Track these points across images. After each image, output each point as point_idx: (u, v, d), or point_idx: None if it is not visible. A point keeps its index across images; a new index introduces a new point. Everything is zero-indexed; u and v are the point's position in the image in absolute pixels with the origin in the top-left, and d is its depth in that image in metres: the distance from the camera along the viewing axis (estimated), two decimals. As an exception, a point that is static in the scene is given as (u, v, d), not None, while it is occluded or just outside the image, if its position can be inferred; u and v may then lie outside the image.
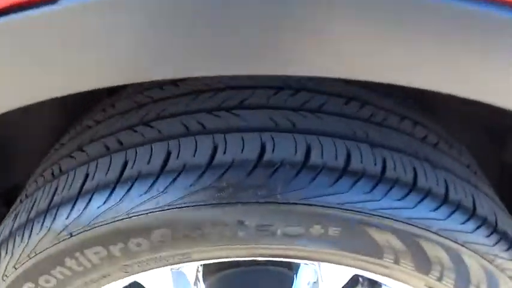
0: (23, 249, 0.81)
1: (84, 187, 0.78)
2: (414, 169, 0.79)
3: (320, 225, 0.75)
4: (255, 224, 0.74)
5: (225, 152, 0.75)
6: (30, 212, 0.82)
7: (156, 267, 0.83)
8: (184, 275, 1.01)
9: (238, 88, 0.90)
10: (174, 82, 0.97)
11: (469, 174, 0.88)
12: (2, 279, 0.86)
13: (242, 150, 0.75)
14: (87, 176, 0.80)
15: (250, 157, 0.74)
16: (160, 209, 0.74)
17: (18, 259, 0.83)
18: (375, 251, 0.79)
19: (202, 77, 0.97)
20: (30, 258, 0.82)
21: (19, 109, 1.24)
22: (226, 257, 0.81)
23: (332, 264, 0.81)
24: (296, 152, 0.75)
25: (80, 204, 0.77)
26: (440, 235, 0.77)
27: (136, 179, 0.75)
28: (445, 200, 0.77)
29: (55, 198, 0.80)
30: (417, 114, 1.00)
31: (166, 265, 0.82)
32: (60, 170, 0.87)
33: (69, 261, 0.80)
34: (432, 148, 0.89)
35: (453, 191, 0.79)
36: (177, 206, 0.73)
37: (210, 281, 0.98)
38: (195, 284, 1.02)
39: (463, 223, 0.78)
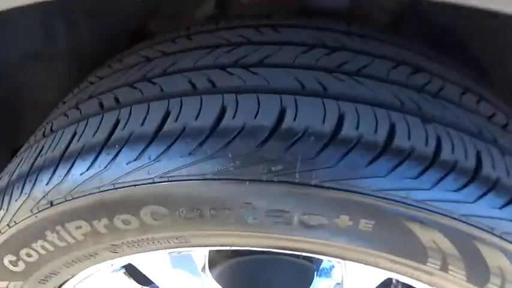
0: (3, 217, 0.70)
1: (69, 149, 0.66)
2: (478, 153, 0.61)
3: (348, 216, 0.59)
4: (266, 208, 0.59)
5: (234, 116, 0.60)
6: (11, 175, 0.71)
7: (150, 250, 0.70)
8: (192, 260, 0.88)
9: (261, 44, 0.75)
10: (188, 35, 0.83)
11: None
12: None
13: (256, 115, 0.59)
14: (73, 136, 0.67)
15: (266, 123, 0.58)
16: (151, 181, 0.60)
17: None
18: (417, 254, 0.62)
19: (221, 29, 0.82)
20: (10, 228, 0.71)
21: (30, 62, 1.16)
22: (231, 246, 0.67)
23: (360, 265, 0.65)
24: (324, 120, 0.59)
25: (62, 169, 0.65)
26: (505, 239, 0.59)
27: (125, 143, 0.61)
28: None
29: (37, 160, 0.69)
30: (482, 88, 0.80)
31: (161, 249, 0.69)
32: (51, 129, 0.76)
33: (50, 235, 0.69)
34: (501, 130, 0.70)
35: None
36: (172, 178, 0.59)
37: (216, 269, 0.84)
38: (203, 270, 0.89)
39: None
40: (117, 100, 0.70)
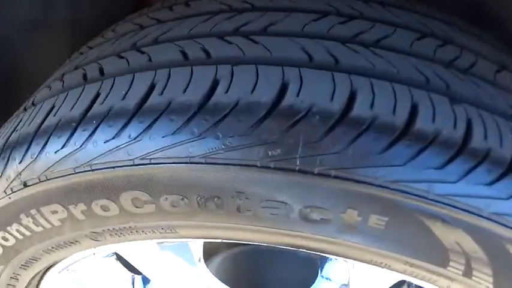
0: (-23, 196, 0.64)
1: (44, 124, 0.59)
2: (516, 141, 0.52)
3: (357, 210, 0.50)
4: (261, 198, 0.51)
5: (228, 90, 0.51)
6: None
7: (135, 240, 0.63)
8: (189, 250, 0.81)
9: (266, 10, 0.65)
10: (187, 2, 0.74)
11: None
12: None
13: (253, 89, 0.51)
14: (51, 110, 0.60)
15: (264, 99, 0.50)
16: (131, 163, 0.52)
17: None
18: (437, 256, 0.53)
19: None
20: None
21: (28, 32, 1.10)
22: (223, 239, 0.59)
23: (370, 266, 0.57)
24: (333, 97, 0.50)
25: (35, 147, 0.58)
26: None
27: (103, 118, 0.54)
28: None
29: (12, 136, 0.62)
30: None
31: (147, 239, 0.61)
32: (33, 102, 0.69)
33: (25, 219, 0.62)
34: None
35: None
36: (154, 161, 0.51)
37: (211, 260, 0.77)
38: (200, 260, 0.82)
39: None
40: (101, 71, 0.63)
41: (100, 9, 1.13)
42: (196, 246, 0.80)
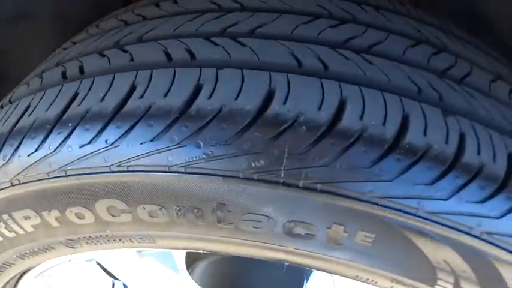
0: None
1: (18, 124, 0.56)
2: (509, 156, 0.50)
3: (343, 226, 0.48)
4: (243, 211, 0.49)
5: (211, 95, 0.49)
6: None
7: (113, 248, 0.60)
8: (172, 257, 0.79)
9: (256, 10, 0.63)
10: None
11: None
12: None
13: (238, 96, 0.48)
14: (27, 109, 0.57)
15: (248, 107, 0.47)
16: (107, 170, 0.50)
17: None
18: (425, 274, 0.51)
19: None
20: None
21: (12, 23, 1.06)
22: (203, 250, 0.57)
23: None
24: (321, 107, 0.47)
25: (8, 148, 0.55)
26: None
27: (80, 121, 0.51)
28: None
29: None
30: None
31: (124, 247, 0.59)
32: (10, 99, 0.65)
33: (-4, 223, 0.59)
34: (538, 127, 0.58)
35: None
36: (131, 168, 0.49)
37: (194, 268, 0.75)
38: (184, 268, 0.80)
39: None
40: (81, 69, 0.60)
41: (89, 2, 1.10)
42: (179, 254, 0.77)
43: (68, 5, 1.07)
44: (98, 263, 0.82)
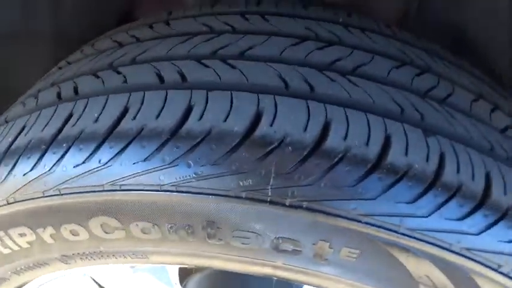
0: None
1: (14, 144, 0.57)
2: (487, 174, 0.52)
3: (329, 242, 0.50)
4: (232, 228, 0.50)
5: (201, 117, 0.51)
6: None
7: (107, 263, 0.61)
8: (166, 273, 0.80)
9: (246, 33, 0.65)
10: (167, 20, 0.74)
11: None
12: None
13: (227, 117, 0.50)
14: (23, 129, 0.59)
15: (237, 128, 0.49)
16: (100, 189, 0.51)
17: None
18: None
19: (205, 14, 0.73)
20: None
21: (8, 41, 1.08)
22: (195, 265, 0.58)
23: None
24: (307, 128, 0.50)
25: (4, 167, 0.56)
26: None
27: (74, 141, 0.53)
28: None
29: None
30: (497, 95, 0.70)
31: (118, 263, 0.60)
32: (6, 119, 0.67)
33: (-8, 240, 0.61)
34: (517, 145, 0.60)
35: None
36: (124, 187, 0.51)
37: (187, 282, 0.76)
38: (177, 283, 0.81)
39: None
40: (76, 90, 0.62)
41: (85, 21, 1.12)
42: (173, 269, 0.79)
43: (66, 23, 1.09)
44: (92, 278, 0.83)
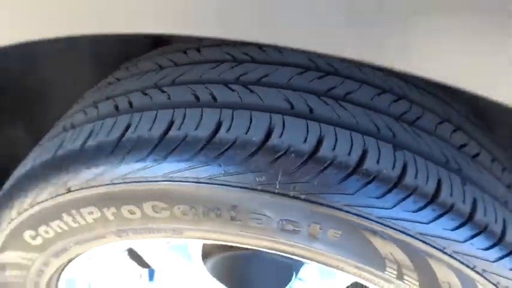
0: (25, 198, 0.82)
1: (85, 145, 0.76)
2: (439, 180, 0.70)
3: (319, 224, 0.68)
4: (249, 211, 0.69)
5: (229, 130, 0.69)
6: (35, 162, 0.82)
7: (150, 238, 0.80)
8: (187, 250, 0.99)
9: (262, 63, 0.84)
10: (198, 48, 0.92)
11: (507, 196, 0.77)
12: (8, 223, 0.88)
13: (248, 131, 0.69)
14: (90, 134, 0.78)
15: (255, 139, 0.68)
16: (154, 180, 0.70)
17: (22, 206, 0.84)
18: (377, 262, 0.71)
19: (229, 44, 0.91)
20: (33, 207, 0.82)
21: (51, 61, 1.26)
22: (218, 241, 0.77)
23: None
24: (306, 140, 0.68)
25: (79, 164, 0.75)
26: (455, 258, 0.68)
27: (134, 145, 0.71)
28: (468, 221, 0.68)
29: (58, 151, 0.79)
30: (462, 119, 0.88)
31: (159, 237, 0.79)
32: (72, 124, 0.86)
33: (66, 217, 0.80)
34: (469, 159, 0.78)
35: (481, 212, 0.69)
36: (172, 179, 0.69)
37: (208, 260, 0.95)
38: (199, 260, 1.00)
39: (486, 249, 0.68)
40: (130, 104, 0.80)
41: (119, 48, 1.27)
42: (196, 247, 0.97)
43: (103, 46, 1.26)
44: (130, 254, 1.02)
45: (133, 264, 1.03)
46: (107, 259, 0.98)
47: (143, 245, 0.88)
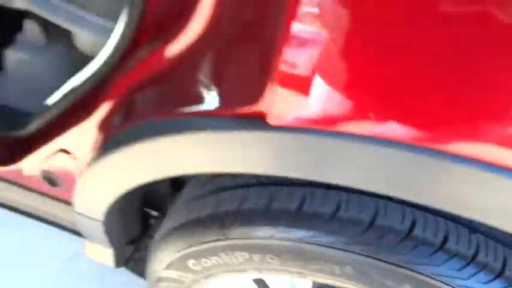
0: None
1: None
2: (505, 258, 0.94)
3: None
4: (355, 270, 0.98)
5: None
6: (200, 212, 1.16)
7: (278, 274, 1.11)
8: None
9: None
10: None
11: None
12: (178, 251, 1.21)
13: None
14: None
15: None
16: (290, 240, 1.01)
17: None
18: None
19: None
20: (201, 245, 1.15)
21: None
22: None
23: None
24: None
25: (240, 223, 1.07)
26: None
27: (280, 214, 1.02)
28: None
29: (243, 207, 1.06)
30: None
31: (286, 275, 1.10)
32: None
33: (223, 255, 1.12)
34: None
35: None
36: (305, 241, 0.99)
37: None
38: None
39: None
40: None
41: None
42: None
43: None
44: (253, 281, 1.33)
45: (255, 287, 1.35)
46: (239, 280, 1.31)
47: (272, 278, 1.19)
